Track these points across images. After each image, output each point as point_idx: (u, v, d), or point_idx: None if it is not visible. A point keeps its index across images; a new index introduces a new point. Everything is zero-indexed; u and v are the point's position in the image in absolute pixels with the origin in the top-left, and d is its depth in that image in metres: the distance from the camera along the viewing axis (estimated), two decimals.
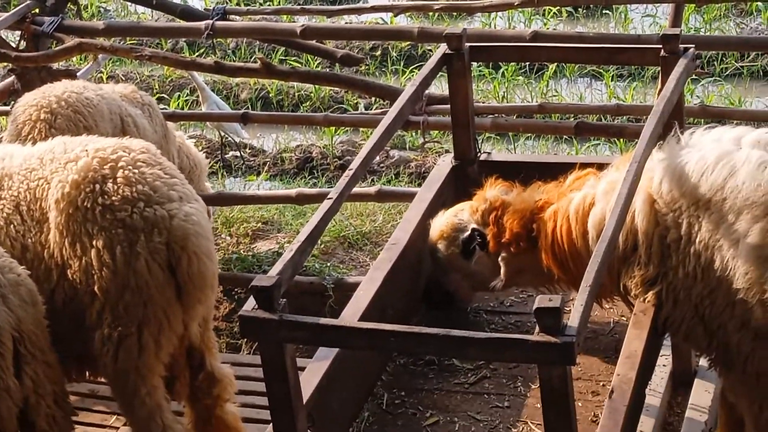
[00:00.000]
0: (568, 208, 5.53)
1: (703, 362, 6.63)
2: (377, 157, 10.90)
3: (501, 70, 12.13)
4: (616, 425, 4.75)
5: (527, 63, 12.43)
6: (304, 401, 4.87)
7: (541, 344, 4.27)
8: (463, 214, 5.99)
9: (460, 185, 6.45)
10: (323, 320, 4.60)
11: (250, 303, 4.67)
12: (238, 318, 4.65)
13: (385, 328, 4.53)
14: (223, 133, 11.13)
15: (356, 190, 8.71)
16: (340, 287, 7.77)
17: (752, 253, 4.93)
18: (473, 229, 5.91)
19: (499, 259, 5.82)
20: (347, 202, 9.41)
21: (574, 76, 12.28)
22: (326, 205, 5.19)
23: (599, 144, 10.76)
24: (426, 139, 8.73)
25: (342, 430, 5.47)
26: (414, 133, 11.18)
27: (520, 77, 12.05)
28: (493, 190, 5.92)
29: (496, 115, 7.99)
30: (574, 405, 4.44)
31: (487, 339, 4.40)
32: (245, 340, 8.06)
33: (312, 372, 5.20)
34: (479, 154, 6.60)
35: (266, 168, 11.10)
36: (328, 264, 8.41)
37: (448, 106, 7.68)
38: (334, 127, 11.22)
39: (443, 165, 6.63)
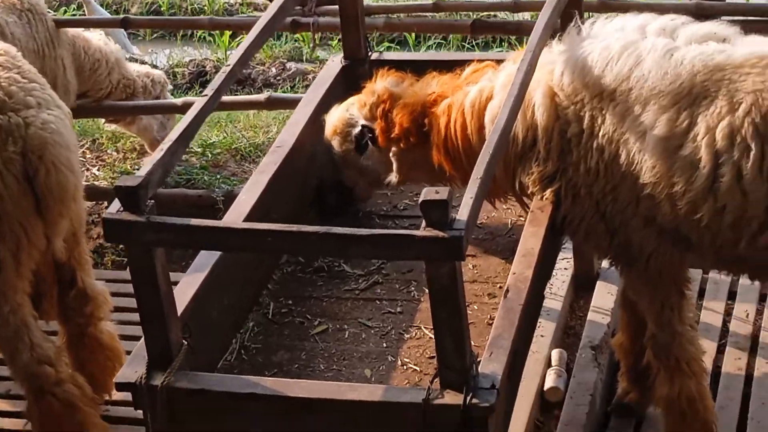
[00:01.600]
0: (463, 102, 5.24)
1: (606, 264, 6.45)
2: (273, 70, 10.54)
3: None
4: (511, 325, 4.50)
5: None
6: (180, 311, 4.58)
7: (428, 239, 4.00)
8: (353, 108, 5.69)
9: (350, 86, 6.12)
10: (194, 221, 4.27)
11: (116, 205, 4.32)
12: (102, 221, 4.31)
13: (262, 227, 4.23)
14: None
15: (247, 97, 8.38)
16: (230, 200, 7.31)
17: (659, 145, 4.70)
18: (363, 125, 5.62)
19: (390, 154, 5.54)
20: (240, 114, 9.05)
21: None
22: (201, 102, 4.86)
23: (502, 51, 10.46)
24: (317, 42, 8.37)
25: (223, 342, 5.16)
26: (310, 45, 10.79)
27: None
28: (382, 82, 5.61)
29: (389, 15, 7.63)
30: (465, 304, 4.20)
31: (371, 236, 4.11)
32: None
33: (189, 281, 4.89)
34: (370, 53, 6.27)
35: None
36: (219, 176, 8.05)
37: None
38: (227, 40, 10.81)
39: (332, 65, 6.30)
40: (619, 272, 5.29)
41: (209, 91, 4.91)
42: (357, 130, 5.64)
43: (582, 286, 6.58)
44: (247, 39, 5.21)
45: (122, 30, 10.37)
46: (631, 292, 5.29)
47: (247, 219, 5.17)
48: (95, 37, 8.11)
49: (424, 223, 4.04)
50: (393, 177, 5.58)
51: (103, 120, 8.56)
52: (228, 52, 10.77)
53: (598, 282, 6.52)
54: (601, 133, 4.85)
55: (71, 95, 7.72)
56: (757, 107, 4.59)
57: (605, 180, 4.88)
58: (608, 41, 4.92)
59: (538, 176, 5.03)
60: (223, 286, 5.05)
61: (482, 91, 5.22)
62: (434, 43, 10.54)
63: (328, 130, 5.76)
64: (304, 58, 10.87)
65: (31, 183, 5.30)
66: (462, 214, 4.08)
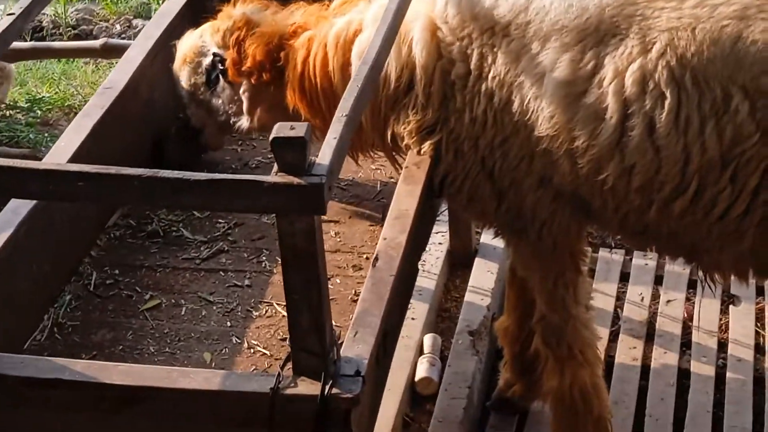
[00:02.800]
0: (327, 34, 4.43)
1: (486, 239, 5.73)
2: (118, 26, 9.58)
3: None
4: (380, 299, 3.70)
5: None
6: None
7: (280, 186, 3.21)
8: (206, 35, 4.86)
9: (198, 20, 5.24)
10: None
11: None
12: None
13: (72, 168, 3.34)
14: None
15: (80, 43, 7.45)
16: None
17: (559, 90, 3.96)
18: (214, 54, 4.79)
19: (241, 91, 4.74)
20: (77, 71, 8.09)
21: None
22: (6, 21, 3.94)
23: None
24: None
25: (32, 318, 4.27)
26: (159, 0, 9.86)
27: None
28: (242, 8, 4.78)
29: None
30: (325, 270, 3.38)
31: (209, 181, 3.27)
32: None
33: None
34: None
35: None
36: (47, 135, 7.08)
37: None
38: None
39: None
40: (506, 243, 4.57)
41: (17, 9, 4.02)
42: (208, 60, 4.83)
43: (458, 263, 5.83)
44: None
45: None
46: (520, 266, 4.56)
47: None
48: None
49: (275, 167, 3.22)
50: (243, 120, 4.76)
51: None
52: (66, 6, 9.74)
53: (476, 259, 5.78)
54: (491, 75, 4.10)
55: None
56: (673, 48, 3.88)
57: (494, 131, 4.14)
58: None
59: (415, 126, 4.25)
60: (32, 248, 4.17)
61: (350, 23, 4.41)
62: None
63: (177, 60, 4.95)
64: (152, 14, 9.89)
65: None
66: (323, 156, 3.28)
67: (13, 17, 3.98)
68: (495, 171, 4.19)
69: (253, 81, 4.63)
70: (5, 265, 4.00)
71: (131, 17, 9.70)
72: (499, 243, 5.73)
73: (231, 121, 4.82)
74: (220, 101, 4.83)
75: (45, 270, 4.30)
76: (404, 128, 4.29)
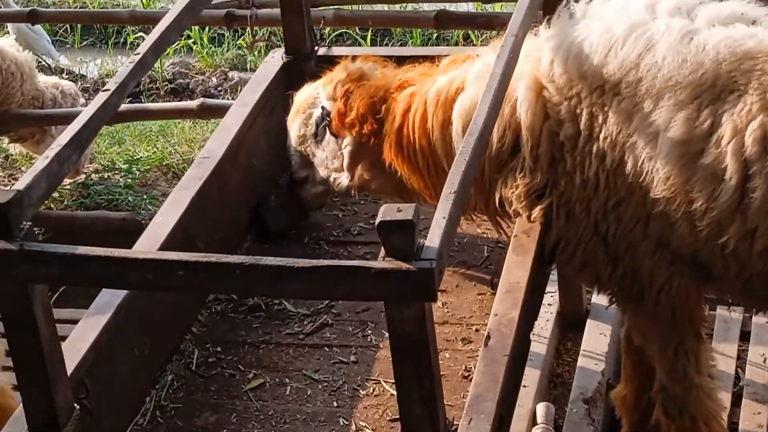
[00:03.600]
0: (428, 90, 4.27)
1: (598, 299, 5.47)
2: (214, 79, 9.53)
3: None
4: (494, 381, 3.52)
5: None
6: (77, 363, 3.67)
7: (389, 273, 3.04)
8: (321, 86, 4.71)
9: (293, 86, 5.14)
10: (82, 249, 3.24)
11: None
12: None
13: (171, 257, 3.21)
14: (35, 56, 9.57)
15: (176, 104, 7.37)
16: None
17: (675, 150, 3.78)
18: (323, 107, 4.64)
19: (342, 145, 4.58)
20: (174, 128, 8.02)
21: None
22: (101, 98, 3.85)
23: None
24: (256, 38, 7.37)
25: (134, 401, 4.14)
26: (255, 52, 9.79)
27: None
28: (360, 62, 4.65)
29: (339, 7, 6.64)
30: (437, 356, 3.20)
31: (312, 268, 3.11)
32: None
33: (88, 325, 3.91)
34: (317, 47, 5.28)
35: (87, 95, 9.58)
36: (146, 197, 7.01)
37: None
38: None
39: (272, 62, 5.32)
40: (622, 310, 4.37)
41: (112, 85, 3.90)
42: (318, 111, 4.67)
43: (569, 325, 5.59)
44: (163, 21, 4.20)
45: (45, 34, 9.33)
46: (638, 334, 4.34)
47: (164, 248, 4.18)
48: (7, 43, 7.06)
49: (382, 252, 3.07)
50: (343, 177, 4.61)
51: (6, 139, 7.49)
52: (163, 60, 9.71)
53: (588, 320, 5.53)
54: (602, 136, 3.92)
55: None
56: None
57: (607, 193, 3.96)
58: (610, 22, 4.01)
59: (524, 190, 4.08)
60: (133, 330, 4.06)
61: (452, 81, 4.26)
62: (397, 39, 9.59)
63: (292, 110, 4.81)
64: (248, 66, 9.84)
65: None
66: (432, 239, 3.11)
67: (108, 93, 3.87)
68: (609, 235, 4.01)
69: (354, 133, 4.48)
70: (105, 350, 3.89)
71: (227, 69, 9.66)
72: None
73: (332, 178, 4.66)
74: (324, 155, 4.67)
75: (146, 351, 4.19)
76: (512, 192, 4.12)
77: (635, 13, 4.00)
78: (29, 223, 3.31)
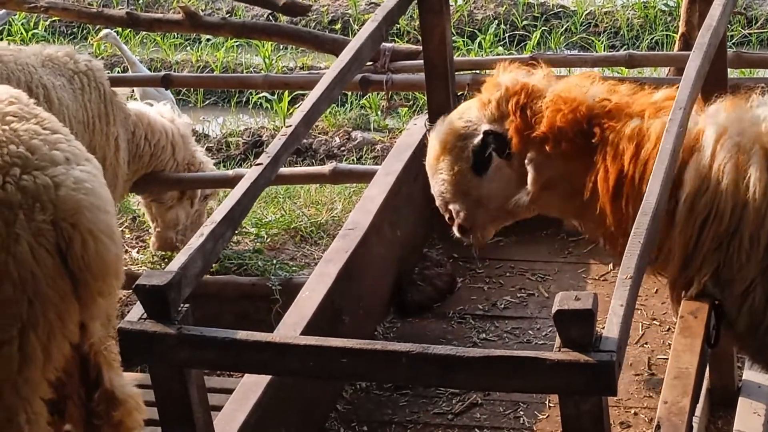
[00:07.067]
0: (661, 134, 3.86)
1: (749, 375, 5.23)
2: (337, 139, 9.46)
3: (477, 40, 10.69)
4: None
5: (506, 35, 11.00)
6: None
7: (567, 365, 2.89)
8: (470, 113, 4.35)
9: None
10: (242, 334, 3.13)
11: (137, 311, 3.20)
12: (118, 332, 3.18)
13: (333, 344, 3.08)
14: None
15: (308, 169, 7.29)
16: (289, 289, 6.26)
17: None
18: (486, 132, 4.27)
19: (526, 161, 4.17)
20: (300, 189, 7.94)
21: (560, 47, 10.84)
22: (254, 173, 3.77)
23: None
24: (391, 103, 7.27)
25: None
26: (379, 112, 9.72)
27: (500, 48, 10.62)
28: (507, 74, 4.30)
29: (478, 71, 6.52)
30: None
31: (484, 359, 2.96)
32: None
33: (236, 404, 3.82)
34: None
35: (210, 155, 9.57)
36: (275, 261, 6.91)
37: (418, 61, 6.34)
38: (286, 106, 9.75)
39: (415, 129, 5.20)
40: None
41: (264, 159, 3.81)
42: (477, 139, 4.30)
43: (720, 402, 5.33)
44: (314, 93, 4.11)
45: (170, 95, 9.34)
46: None
47: (312, 323, 4.08)
48: (162, 113, 6.95)
49: (558, 341, 2.89)
50: (524, 194, 4.21)
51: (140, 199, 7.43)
52: (286, 119, 9.67)
53: (740, 398, 5.27)
54: None
55: (119, 181, 6.59)
56: None
57: None
58: None
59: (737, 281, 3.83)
60: (279, 411, 3.93)
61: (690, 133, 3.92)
62: None
63: (432, 154, 4.44)
64: (372, 126, 9.76)
65: (63, 257, 4.22)
66: (611, 329, 2.95)
67: (261, 168, 3.78)
68: None
69: (548, 148, 4.08)
70: (254, 429, 3.77)
71: (350, 129, 9.59)
72: (765, 381, 5.31)
73: (507, 207, 4.29)
74: (493, 184, 4.30)
75: (292, 430, 4.05)
76: (705, 276, 3.88)
77: None
78: (187, 305, 3.21)
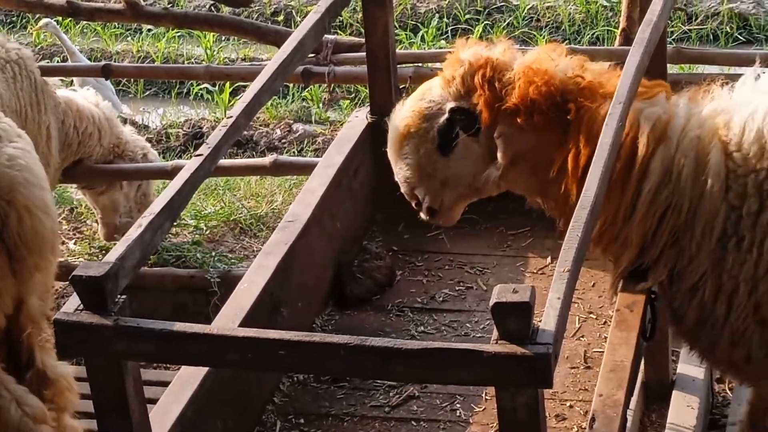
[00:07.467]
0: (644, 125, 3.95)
1: (684, 369, 5.30)
2: (278, 131, 9.44)
3: (420, 33, 10.70)
4: None
5: (448, 29, 11.02)
6: None
7: (503, 357, 2.91)
8: (431, 93, 4.29)
9: (378, 147, 5.01)
10: (179, 326, 3.11)
11: (73, 302, 3.18)
12: (54, 324, 3.15)
13: (272, 336, 3.07)
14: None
15: (249, 161, 7.26)
16: (228, 282, 6.23)
17: None
18: (452, 109, 4.22)
19: (496, 134, 4.12)
20: (240, 181, 7.92)
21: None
22: (194, 164, 3.75)
23: None
24: (333, 95, 7.26)
25: None
26: (320, 104, 9.70)
27: (443, 41, 10.64)
28: (468, 50, 4.23)
29: (420, 64, 6.53)
30: None
31: (423, 351, 2.96)
32: None
33: (172, 396, 3.80)
34: None
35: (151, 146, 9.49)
36: (214, 254, 6.88)
37: (360, 54, 6.34)
38: (227, 98, 9.71)
39: (357, 122, 5.20)
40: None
41: (204, 149, 3.79)
42: (443, 118, 4.22)
43: (654, 396, 5.39)
44: (255, 84, 4.09)
45: (109, 85, 9.27)
46: None
47: (250, 315, 4.08)
48: (87, 97, 6.90)
49: (495, 334, 2.94)
50: (494, 169, 4.17)
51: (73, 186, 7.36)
52: (227, 111, 9.62)
53: (674, 391, 5.33)
54: None
55: (51, 170, 6.52)
56: None
57: None
58: None
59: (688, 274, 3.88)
60: (216, 404, 3.91)
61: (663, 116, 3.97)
62: None
63: (395, 138, 4.36)
64: (313, 119, 9.73)
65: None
66: (548, 321, 2.97)
67: (201, 158, 3.76)
68: None
69: (519, 120, 4.04)
70: (190, 421, 3.76)
71: (291, 122, 9.56)
72: (699, 374, 5.37)
73: (476, 184, 4.27)
74: (460, 162, 4.25)
75: (229, 424, 4.04)
76: (660, 269, 3.93)
77: None
78: (124, 296, 3.19)
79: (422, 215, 4.45)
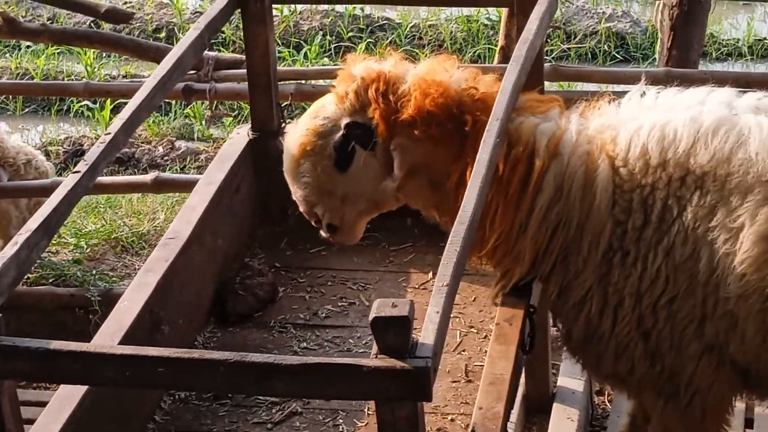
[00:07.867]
0: (532, 137, 4.04)
1: (564, 382, 5.39)
2: (160, 149, 9.37)
3: (303, 51, 10.71)
4: None
5: (331, 46, 11.06)
6: None
7: (383, 372, 2.94)
8: (325, 110, 4.28)
9: (260, 163, 5.02)
10: (56, 344, 3.07)
11: None
12: None
13: (151, 353, 3.06)
14: None
15: (130, 178, 7.20)
16: (108, 300, 6.15)
17: (758, 246, 3.69)
18: (347, 125, 4.23)
19: (392, 146, 4.13)
20: (122, 199, 7.84)
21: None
22: (71, 180, 3.71)
23: None
24: (215, 112, 7.23)
25: None
26: (203, 121, 9.66)
27: (326, 59, 10.67)
28: (359, 65, 4.25)
29: (302, 81, 6.54)
30: None
31: (302, 366, 2.97)
32: None
33: (51, 416, 3.73)
34: (284, 124, 5.15)
35: None
36: (95, 272, 6.80)
37: (242, 71, 6.34)
38: (108, 115, 9.61)
39: (238, 138, 5.18)
40: (650, 405, 4.21)
41: (82, 167, 3.76)
42: (338, 134, 4.24)
43: (535, 408, 5.47)
44: (134, 100, 4.07)
45: None
46: (660, 429, 4.16)
47: (129, 333, 4.04)
48: None
49: (375, 349, 2.97)
50: (390, 181, 4.18)
51: None
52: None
53: (554, 404, 5.41)
54: (675, 229, 3.82)
55: None
56: None
57: (663, 289, 3.85)
58: (693, 113, 3.90)
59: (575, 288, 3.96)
60: (95, 423, 3.85)
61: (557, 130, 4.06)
62: None
63: (291, 158, 4.32)
64: (196, 136, 9.69)
65: None
66: (427, 335, 3.00)
67: (79, 175, 3.73)
68: (653, 332, 3.91)
69: (416, 132, 4.06)
70: None
71: (174, 138, 9.50)
72: (578, 387, 5.46)
73: (374, 198, 4.28)
74: (358, 178, 4.25)
75: None
76: (552, 282, 4.02)
77: (717, 107, 3.92)
78: (0, 315, 3.14)
79: (323, 233, 4.46)
